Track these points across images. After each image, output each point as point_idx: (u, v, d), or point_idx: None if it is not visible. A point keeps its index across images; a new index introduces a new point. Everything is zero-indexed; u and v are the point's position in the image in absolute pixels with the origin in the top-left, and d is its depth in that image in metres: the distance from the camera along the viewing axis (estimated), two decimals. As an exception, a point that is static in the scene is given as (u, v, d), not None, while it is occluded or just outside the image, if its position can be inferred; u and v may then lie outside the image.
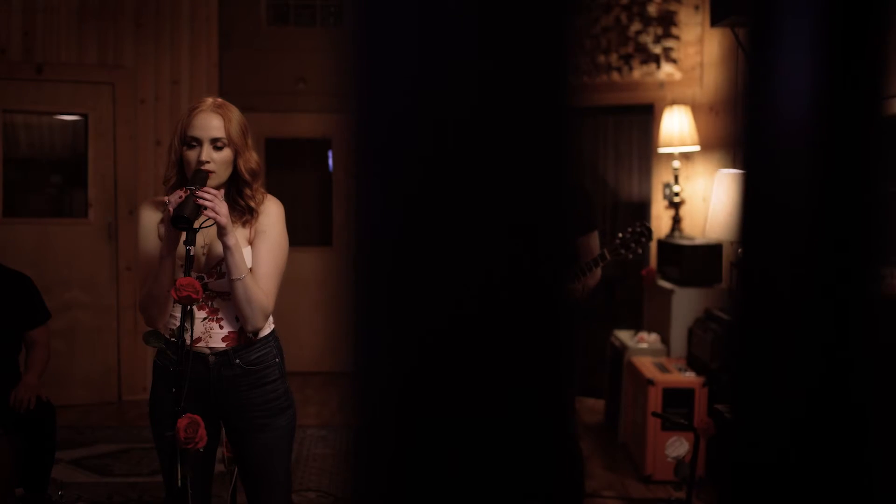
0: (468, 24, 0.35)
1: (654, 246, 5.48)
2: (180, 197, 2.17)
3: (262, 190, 2.42)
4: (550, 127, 0.35)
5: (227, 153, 2.30)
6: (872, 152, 0.38)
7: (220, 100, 2.39)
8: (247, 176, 2.34)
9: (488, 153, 0.36)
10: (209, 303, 2.35)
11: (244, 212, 2.37)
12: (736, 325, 0.40)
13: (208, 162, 2.27)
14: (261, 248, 2.37)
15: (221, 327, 2.36)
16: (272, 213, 2.40)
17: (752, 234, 0.39)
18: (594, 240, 3.42)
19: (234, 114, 2.35)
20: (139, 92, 6.03)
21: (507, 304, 0.37)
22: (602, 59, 5.90)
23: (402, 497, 0.38)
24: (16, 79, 5.80)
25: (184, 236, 2.18)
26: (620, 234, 3.26)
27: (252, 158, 2.36)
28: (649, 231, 3.26)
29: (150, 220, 2.40)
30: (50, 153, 6.26)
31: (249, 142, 2.38)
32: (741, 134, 0.39)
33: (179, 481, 2.14)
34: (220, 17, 6.29)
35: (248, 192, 2.36)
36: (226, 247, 2.24)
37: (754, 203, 0.39)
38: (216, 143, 2.29)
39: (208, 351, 2.35)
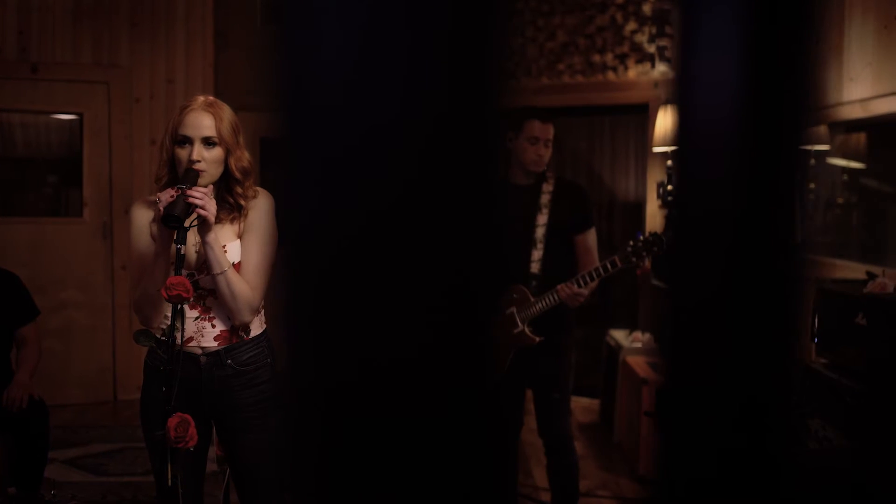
0: (399, 27, 0.36)
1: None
2: (171, 196, 2.16)
3: (255, 188, 2.41)
4: (479, 132, 0.36)
5: (218, 152, 2.30)
6: (790, 157, 0.38)
7: (211, 98, 2.38)
8: (238, 174, 2.34)
9: (420, 158, 0.36)
10: (201, 302, 2.35)
11: (232, 209, 2.37)
12: (668, 321, 0.41)
13: (199, 161, 2.26)
14: (249, 243, 2.36)
15: (214, 326, 2.36)
16: (261, 206, 2.39)
17: (683, 234, 0.39)
18: (592, 237, 3.41)
19: (226, 112, 2.34)
20: (134, 91, 6.02)
21: (439, 310, 0.37)
22: (597, 58, 5.90)
23: (330, 495, 0.38)
24: (11, 78, 5.79)
25: (175, 235, 2.18)
26: (632, 242, 3.22)
27: (244, 157, 2.36)
28: (661, 240, 3.20)
29: (143, 219, 2.40)
30: (46, 152, 6.25)
31: (241, 140, 2.37)
32: (675, 136, 0.39)
33: (170, 480, 2.14)
34: (216, 16, 6.28)
35: (238, 189, 2.36)
36: (205, 242, 2.24)
37: (685, 201, 0.39)
38: (207, 142, 2.28)
39: (200, 351, 2.35)
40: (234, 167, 2.32)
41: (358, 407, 0.37)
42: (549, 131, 3.34)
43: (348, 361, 0.37)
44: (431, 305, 0.36)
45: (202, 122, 2.28)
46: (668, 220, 5.53)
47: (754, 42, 0.38)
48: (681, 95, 0.40)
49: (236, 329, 2.38)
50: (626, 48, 5.80)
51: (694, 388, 0.40)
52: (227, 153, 2.31)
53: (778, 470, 0.39)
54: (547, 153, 3.35)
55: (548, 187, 3.38)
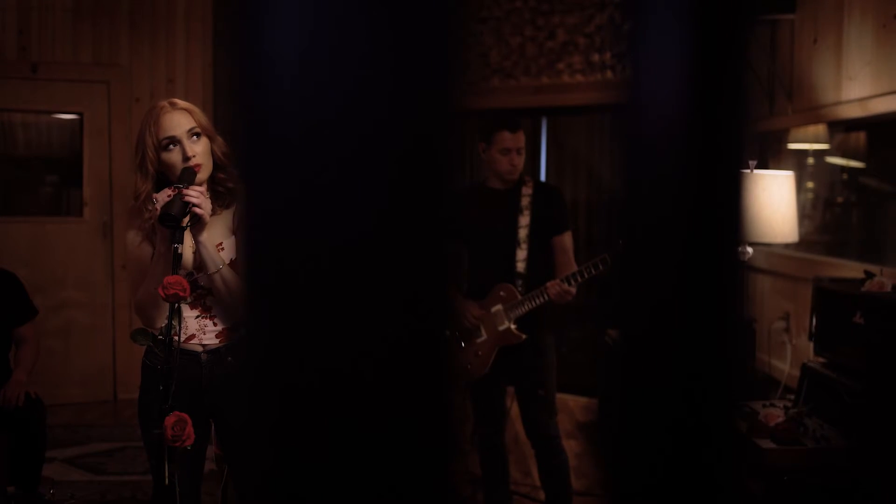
0: (359, 24, 0.36)
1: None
2: (168, 196, 2.17)
3: (236, 172, 2.42)
4: (436, 135, 0.36)
5: (205, 142, 2.32)
6: (733, 164, 0.39)
7: (171, 99, 2.37)
8: (222, 160, 2.35)
9: (375, 154, 0.36)
10: (202, 301, 2.35)
11: (226, 195, 2.38)
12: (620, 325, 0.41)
13: (194, 156, 2.27)
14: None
15: (215, 324, 2.37)
16: None
17: (633, 234, 0.39)
18: (568, 239, 3.47)
19: (192, 105, 2.35)
20: (134, 91, 6.03)
21: (397, 317, 0.37)
22: (596, 57, 5.91)
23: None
24: (11, 78, 5.80)
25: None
26: (622, 241, 3.24)
27: (222, 142, 2.38)
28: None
29: (138, 221, 2.40)
30: (46, 152, 6.26)
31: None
32: (621, 141, 0.40)
33: (167, 479, 2.14)
34: (215, 16, 6.28)
35: (221, 175, 2.37)
36: (198, 242, 2.25)
37: (632, 204, 0.39)
38: (193, 135, 2.28)
39: (201, 348, 2.36)
40: (218, 153, 2.34)
41: (315, 412, 0.38)
42: (520, 140, 3.40)
43: (304, 365, 0.38)
44: (388, 312, 0.37)
45: (180, 120, 2.28)
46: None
47: (696, 51, 0.39)
48: (627, 102, 0.40)
49: (237, 326, 2.38)
50: (625, 47, 5.80)
51: (640, 396, 0.40)
52: (211, 142, 2.33)
53: (720, 484, 0.40)
54: (520, 160, 3.41)
55: (527, 190, 3.45)
